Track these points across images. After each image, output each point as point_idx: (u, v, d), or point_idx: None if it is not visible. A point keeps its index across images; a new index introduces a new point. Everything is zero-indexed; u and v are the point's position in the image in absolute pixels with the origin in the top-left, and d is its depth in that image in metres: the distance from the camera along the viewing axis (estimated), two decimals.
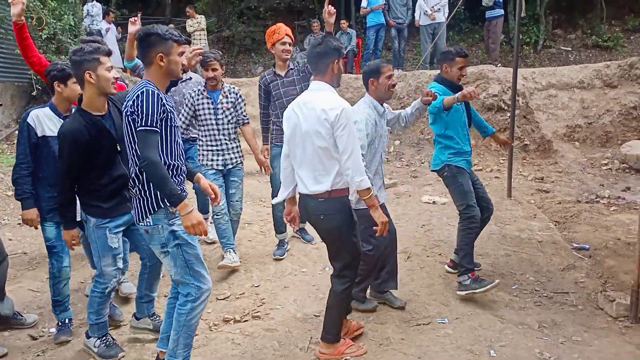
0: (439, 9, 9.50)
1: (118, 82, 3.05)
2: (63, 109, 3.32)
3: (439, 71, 4.01)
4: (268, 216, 4.89)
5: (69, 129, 2.89)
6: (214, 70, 4.23)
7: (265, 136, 4.66)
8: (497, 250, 4.69)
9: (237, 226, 4.65)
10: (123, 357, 3.17)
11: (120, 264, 3.13)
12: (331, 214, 2.88)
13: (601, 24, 12.83)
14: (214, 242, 4.96)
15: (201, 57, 4.46)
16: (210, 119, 4.28)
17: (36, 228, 3.36)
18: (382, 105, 3.45)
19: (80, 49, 2.88)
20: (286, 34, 4.41)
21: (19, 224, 5.75)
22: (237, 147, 4.42)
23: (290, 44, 4.44)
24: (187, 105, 4.30)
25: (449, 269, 4.22)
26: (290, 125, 2.94)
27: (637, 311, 3.44)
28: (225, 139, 4.32)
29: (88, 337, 3.21)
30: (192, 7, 12.19)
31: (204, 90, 4.31)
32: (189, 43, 4.92)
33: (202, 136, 4.35)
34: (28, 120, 3.24)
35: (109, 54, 2.96)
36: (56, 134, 3.05)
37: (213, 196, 2.88)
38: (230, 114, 4.32)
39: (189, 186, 3.38)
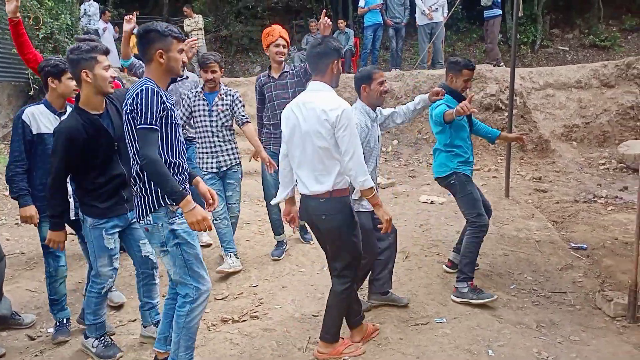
0: (437, 8, 9.48)
1: (115, 80, 3.04)
2: (58, 106, 3.31)
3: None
4: (266, 216, 4.88)
5: (66, 126, 2.88)
6: (213, 72, 4.22)
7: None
8: (495, 250, 4.69)
9: (235, 228, 4.63)
10: (121, 357, 3.17)
11: (116, 264, 3.12)
12: (332, 214, 2.88)
13: (598, 23, 12.87)
14: (209, 245, 4.94)
15: (196, 49, 4.45)
16: (205, 121, 4.26)
17: (36, 225, 3.33)
18: (374, 110, 3.45)
19: (77, 48, 2.87)
20: (280, 36, 4.38)
21: (17, 223, 5.73)
22: (232, 148, 4.39)
23: (284, 46, 4.42)
24: (183, 105, 4.30)
25: (447, 269, 4.22)
26: (289, 125, 2.93)
27: (635, 311, 3.45)
28: (219, 141, 4.30)
29: (86, 337, 3.21)
30: (189, 6, 12.17)
31: (201, 91, 4.30)
32: None
33: (197, 138, 4.35)
34: (23, 117, 3.22)
35: (106, 52, 2.95)
36: (52, 131, 3.03)
37: (210, 201, 2.85)
38: (225, 116, 4.29)
39: None
